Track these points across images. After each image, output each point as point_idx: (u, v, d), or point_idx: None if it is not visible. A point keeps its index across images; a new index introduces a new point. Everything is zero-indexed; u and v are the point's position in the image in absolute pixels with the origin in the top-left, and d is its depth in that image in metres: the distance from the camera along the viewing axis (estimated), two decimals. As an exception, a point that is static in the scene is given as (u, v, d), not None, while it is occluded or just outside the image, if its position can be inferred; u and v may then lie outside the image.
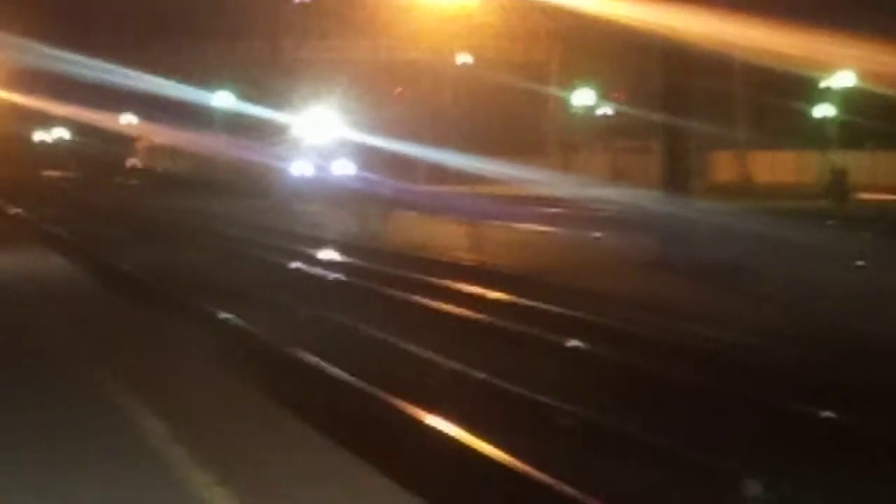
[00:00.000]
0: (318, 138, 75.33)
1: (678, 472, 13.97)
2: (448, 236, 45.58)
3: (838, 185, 74.59)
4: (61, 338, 20.23)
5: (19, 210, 69.72)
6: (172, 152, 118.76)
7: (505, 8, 60.60)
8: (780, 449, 14.62)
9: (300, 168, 75.83)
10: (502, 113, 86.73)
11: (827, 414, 16.11)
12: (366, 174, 64.43)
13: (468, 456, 14.55)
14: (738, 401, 17.47)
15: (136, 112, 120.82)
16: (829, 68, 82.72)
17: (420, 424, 16.11)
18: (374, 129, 71.84)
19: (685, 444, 14.70)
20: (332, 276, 35.29)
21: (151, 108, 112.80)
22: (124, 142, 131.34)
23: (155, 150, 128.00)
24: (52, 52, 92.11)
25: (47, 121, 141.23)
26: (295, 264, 38.43)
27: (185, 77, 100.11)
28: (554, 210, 60.47)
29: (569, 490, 12.74)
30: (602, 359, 21.27)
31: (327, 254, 41.64)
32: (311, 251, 42.18)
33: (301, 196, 66.23)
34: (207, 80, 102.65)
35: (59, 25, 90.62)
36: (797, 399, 17.14)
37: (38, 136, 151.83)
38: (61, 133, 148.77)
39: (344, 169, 65.19)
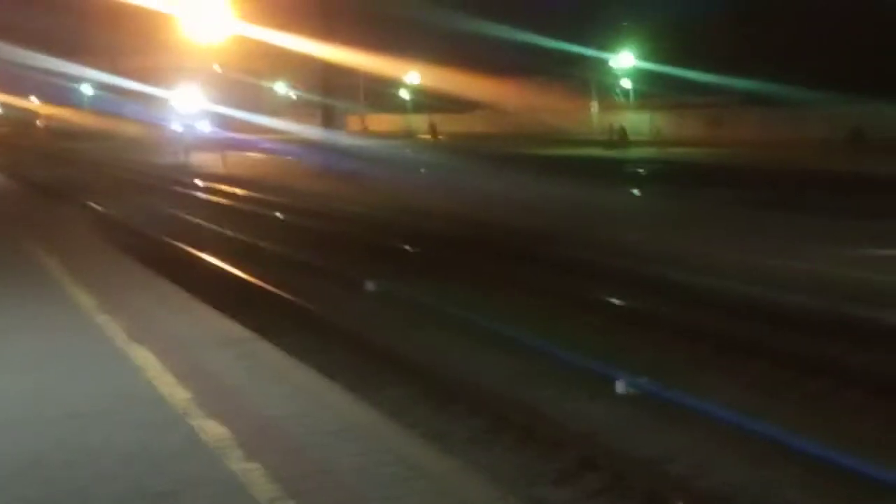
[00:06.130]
0: (185, 107, 65.40)
1: (327, 278, 14.02)
2: (214, 160, 43.92)
3: (431, 130, 75.91)
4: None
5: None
6: (60, 118, 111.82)
7: (238, 41, 58.46)
8: (384, 266, 14.47)
9: (173, 126, 66.07)
10: (242, 95, 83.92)
11: (406, 247, 16.33)
12: (202, 128, 57.27)
13: (220, 273, 14.37)
14: (358, 241, 17.55)
15: (38, 95, 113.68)
16: (406, 71, 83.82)
17: (193, 257, 15.81)
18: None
19: (333, 265, 14.75)
20: (155, 182, 34.06)
21: (47, 93, 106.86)
22: (33, 113, 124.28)
23: (51, 118, 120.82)
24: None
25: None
26: (136, 178, 36.88)
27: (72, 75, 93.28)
28: (271, 144, 58.67)
29: (271, 288, 12.73)
30: (289, 222, 21.16)
31: (157, 171, 39.84)
32: (148, 171, 40.41)
33: (167, 143, 59.42)
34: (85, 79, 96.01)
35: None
36: (390, 238, 17.32)
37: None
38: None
39: (201, 126, 57.63)
